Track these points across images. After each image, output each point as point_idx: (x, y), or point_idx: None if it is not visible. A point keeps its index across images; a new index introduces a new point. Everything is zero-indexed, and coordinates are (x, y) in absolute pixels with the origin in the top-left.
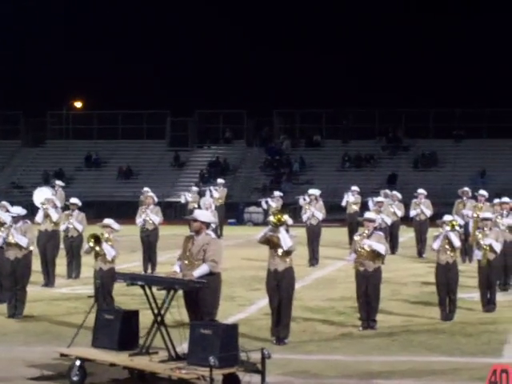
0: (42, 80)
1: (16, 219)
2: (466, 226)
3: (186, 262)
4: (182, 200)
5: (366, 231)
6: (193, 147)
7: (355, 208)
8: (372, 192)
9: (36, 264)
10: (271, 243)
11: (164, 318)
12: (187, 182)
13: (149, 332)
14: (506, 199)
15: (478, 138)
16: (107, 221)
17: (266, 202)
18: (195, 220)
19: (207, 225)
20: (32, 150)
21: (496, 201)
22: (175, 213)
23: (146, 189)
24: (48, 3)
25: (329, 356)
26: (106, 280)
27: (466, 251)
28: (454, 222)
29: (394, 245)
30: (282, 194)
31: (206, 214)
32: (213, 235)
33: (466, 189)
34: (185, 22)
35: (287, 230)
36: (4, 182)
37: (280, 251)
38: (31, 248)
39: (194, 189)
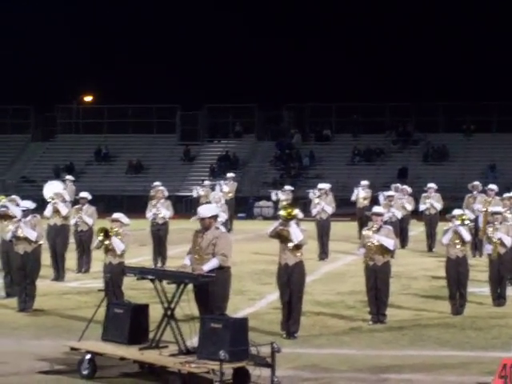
0: (51, 74)
1: (25, 213)
2: (476, 220)
3: (196, 256)
4: (194, 194)
5: (375, 225)
6: (203, 141)
7: (365, 202)
8: (382, 186)
9: (46, 258)
10: (282, 237)
11: (174, 312)
12: (197, 176)
13: (159, 326)
14: None
15: (488, 132)
16: (116, 215)
17: (276, 194)
18: (203, 219)
19: (215, 217)
20: (42, 144)
21: (506, 195)
22: (185, 207)
23: (156, 183)
24: None
25: (339, 350)
26: (115, 274)
27: (477, 245)
28: (464, 217)
29: (404, 239)
30: (292, 188)
31: (209, 208)
32: (222, 229)
33: (477, 183)
34: (195, 17)
35: (297, 224)
36: (14, 176)
37: (290, 245)
38: (41, 242)
39: (206, 183)
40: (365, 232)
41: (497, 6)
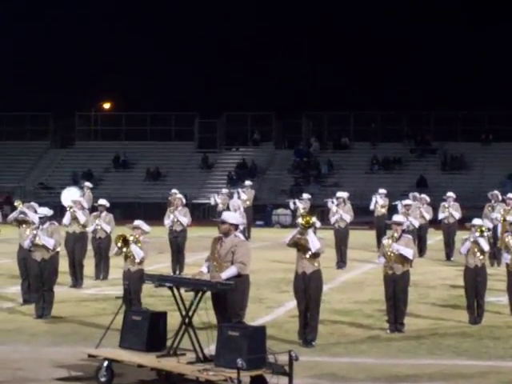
0: (70, 81)
1: (43, 220)
2: (494, 229)
3: (215, 263)
4: (212, 202)
5: (395, 234)
6: (221, 149)
7: (383, 211)
8: (401, 195)
9: (63, 265)
10: (299, 245)
11: (192, 320)
12: (215, 184)
13: (176, 333)
14: None
15: (506, 141)
16: (137, 222)
17: (294, 203)
18: (224, 222)
19: (236, 226)
20: (60, 150)
21: None
22: (203, 214)
23: (174, 190)
24: (78, 3)
25: (356, 359)
26: (133, 281)
27: (495, 255)
28: (483, 228)
29: (422, 248)
30: (310, 196)
31: (234, 215)
32: (241, 237)
33: (496, 192)
34: (215, 25)
35: (315, 233)
36: (32, 183)
37: (308, 253)
38: (58, 249)
39: (224, 191)
40: (385, 241)
41: None
